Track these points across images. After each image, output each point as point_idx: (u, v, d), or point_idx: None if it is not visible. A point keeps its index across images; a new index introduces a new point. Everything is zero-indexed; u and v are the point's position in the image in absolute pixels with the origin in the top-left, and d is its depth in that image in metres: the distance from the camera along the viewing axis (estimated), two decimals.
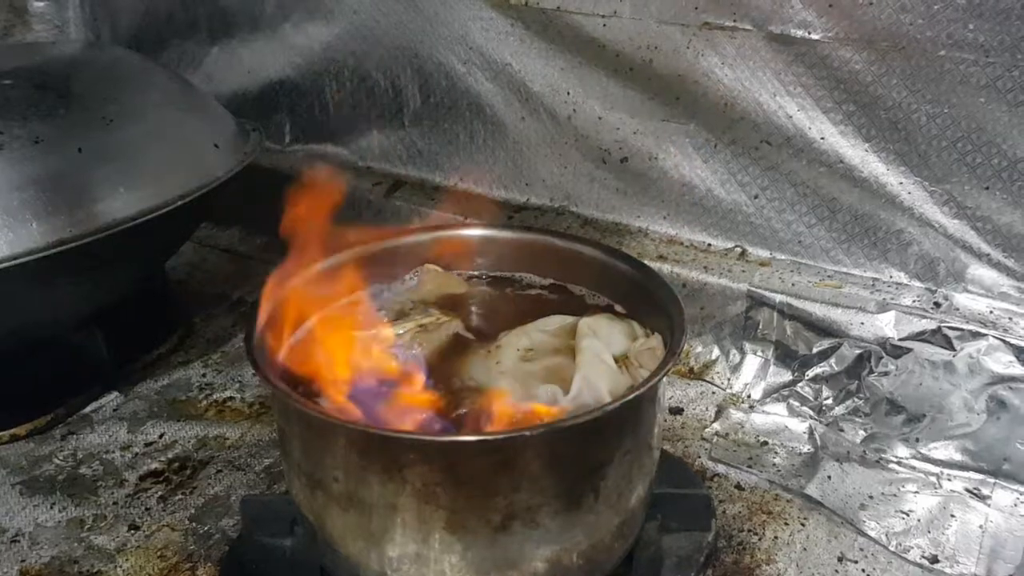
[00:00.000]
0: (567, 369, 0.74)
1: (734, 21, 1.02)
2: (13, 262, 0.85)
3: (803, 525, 0.88)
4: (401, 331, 0.81)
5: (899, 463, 0.95)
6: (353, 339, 0.81)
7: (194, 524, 0.89)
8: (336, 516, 0.70)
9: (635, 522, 0.76)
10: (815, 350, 1.02)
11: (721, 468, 0.96)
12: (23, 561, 0.85)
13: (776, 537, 0.87)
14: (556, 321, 0.81)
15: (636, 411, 0.69)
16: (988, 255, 0.99)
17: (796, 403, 1.02)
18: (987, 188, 0.96)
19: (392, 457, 0.64)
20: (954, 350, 0.95)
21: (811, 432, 0.98)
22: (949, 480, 0.93)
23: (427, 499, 0.64)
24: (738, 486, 0.93)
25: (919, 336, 0.97)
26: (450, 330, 0.81)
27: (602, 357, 0.75)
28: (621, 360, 0.76)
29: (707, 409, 1.05)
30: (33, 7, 1.53)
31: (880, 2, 0.93)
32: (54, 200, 0.89)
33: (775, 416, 1.02)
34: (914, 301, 1.01)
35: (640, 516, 0.76)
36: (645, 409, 0.71)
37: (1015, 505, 0.90)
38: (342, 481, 0.67)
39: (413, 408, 0.70)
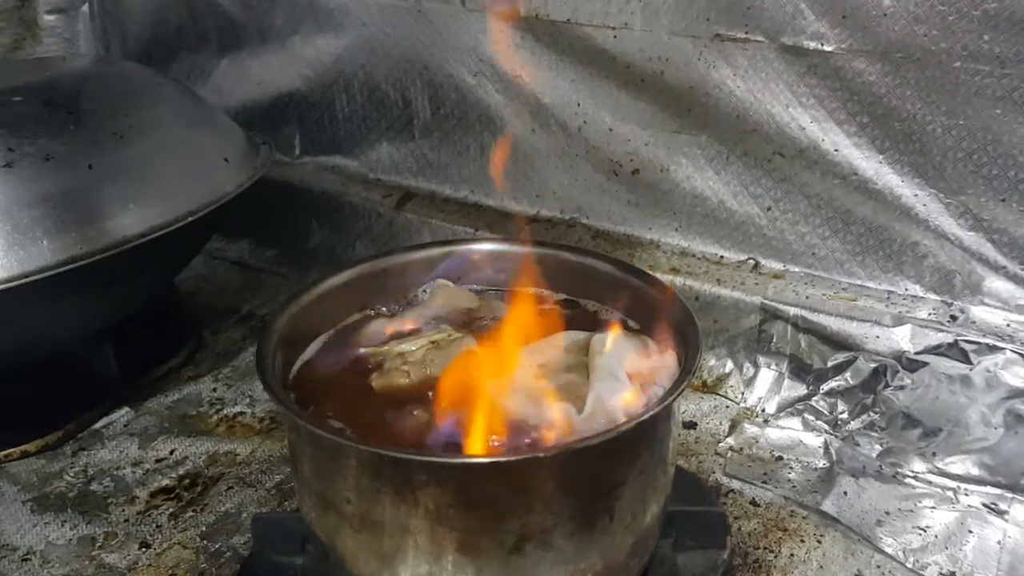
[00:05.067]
0: (580, 387, 0.73)
1: (746, 33, 1.01)
2: (24, 280, 0.85)
3: (819, 542, 0.87)
4: (413, 347, 0.80)
5: (916, 478, 0.94)
6: (365, 356, 0.81)
7: (205, 542, 0.89)
8: (348, 536, 0.69)
9: (650, 541, 0.75)
10: (830, 364, 1.01)
11: (736, 484, 0.95)
12: None
13: (792, 555, 0.86)
14: (569, 337, 0.80)
15: (651, 430, 0.69)
16: (1005, 268, 0.98)
17: (811, 417, 1.02)
18: (1003, 200, 0.95)
19: (404, 479, 0.63)
20: (971, 364, 0.94)
21: (826, 447, 0.97)
22: (966, 495, 0.92)
23: (440, 520, 0.64)
24: (753, 502, 0.92)
25: (935, 350, 0.96)
26: (462, 346, 0.80)
27: (616, 374, 0.74)
28: (635, 377, 0.76)
29: (721, 423, 1.04)
30: (43, 20, 1.53)
31: (894, 13, 0.93)
32: (64, 217, 0.89)
33: (790, 431, 1.01)
34: (930, 314, 1.00)
35: (655, 535, 0.75)
36: (660, 428, 0.70)
37: None
38: (354, 502, 0.66)
39: (425, 428, 0.70)
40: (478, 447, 0.67)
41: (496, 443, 0.67)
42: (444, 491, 0.63)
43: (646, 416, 0.65)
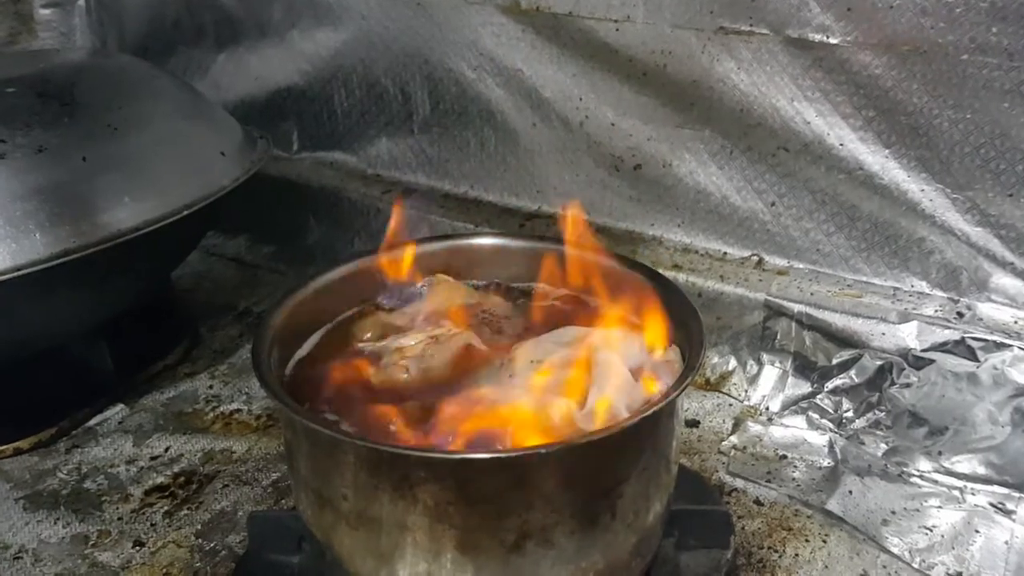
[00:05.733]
0: (582, 383, 0.72)
1: (750, 25, 1.00)
2: (16, 273, 0.84)
3: (824, 542, 0.86)
4: (411, 343, 0.79)
5: (921, 477, 0.93)
6: (363, 352, 0.79)
7: (200, 540, 0.88)
8: (345, 534, 0.68)
9: (652, 540, 0.74)
10: (835, 361, 1.00)
11: (739, 483, 0.94)
12: None
13: (797, 555, 0.84)
14: (570, 333, 0.79)
15: (654, 427, 0.67)
16: (1012, 264, 0.96)
17: (816, 415, 1.00)
18: (1011, 195, 0.94)
19: (402, 475, 0.62)
20: (978, 361, 0.93)
21: (831, 445, 0.96)
22: (973, 494, 0.91)
23: (438, 518, 0.62)
24: (757, 501, 0.91)
25: (942, 347, 0.95)
26: (461, 342, 0.79)
27: (618, 370, 0.73)
28: (637, 373, 0.74)
29: (724, 422, 1.03)
30: (39, 14, 1.52)
31: (900, 5, 0.91)
32: (58, 210, 0.88)
33: (794, 429, 1.00)
34: (936, 311, 0.98)
35: (657, 534, 0.74)
36: (663, 424, 0.69)
37: None
38: (351, 499, 0.65)
39: (423, 424, 0.68)
40: (477, 443, 0.65)
41: (496, 439, 0.66)
42: (443, 487, 0.61)
43: (648, 412, 0.64)
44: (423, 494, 0.62)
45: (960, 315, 0.98)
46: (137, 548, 0.87)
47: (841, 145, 1.00)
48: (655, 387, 0.72)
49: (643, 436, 0.67)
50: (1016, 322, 0.96)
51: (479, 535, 0.63)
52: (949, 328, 0.95)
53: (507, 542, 0.63)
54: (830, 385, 1.01)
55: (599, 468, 0.64)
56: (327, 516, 0.68)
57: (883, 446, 0.96)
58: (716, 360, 1.09)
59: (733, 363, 1.08)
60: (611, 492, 0.65)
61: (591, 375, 0.72)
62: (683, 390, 0.66)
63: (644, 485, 0.68)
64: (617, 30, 1.07)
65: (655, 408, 0.64)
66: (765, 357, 1.06)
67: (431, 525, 0.63)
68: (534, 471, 0.62)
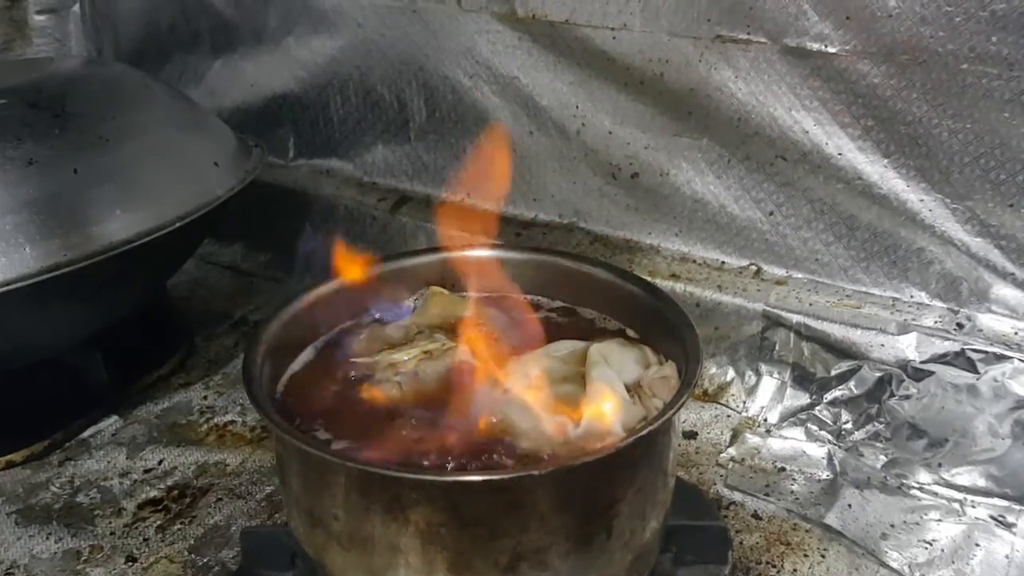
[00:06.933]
0: (577, 398, 0.71)
1: (748, 34, 0.99)
2: (6, 288, 0.83)
3: (823, 557, 0.85)
4: (405, 357, 0.78)
5: (921, 489, 0.92)
6: (356, 367, 0.78)
7: (193, 556, 0.87)
8: (337, 554, 0.67)
9: (649, 557, 0.73)
10: (834, 372, 0.99)
11: (737, 496, 0.93)
12: None
13: (795, 570, 0.84)
14: (566, 347, 0.78)
15: (650, 445, 0.66)
16: (1013, 275, 0.95)
17: (814, 427, 0.99)
18: (1011, 205, 0.93)
19: (394, 496, 0.61)
20: (978, 373, 0.92)
21: (830, 457, 0.95)
22: (973, 507, 0.90)
23: (431, 540, 0.62)
24: (755, 515, 0.90)
25: (941, 358, 0.94)
26: (456, 356, 0.78)
27: (613, 386, 0.72)
28: (633, 389, 0.73)
29: (722, 433, 1.02)
30: (33, 21, 1.51)
31: (900, 14, 0.91)
32: (48, 223, 0.87)
33: (793, 441, 0.99)
34: (936, 322, 0.97)
35: (654, 550, 0.73)
36: (659, 443, 0.68)
37: None
38: (342, 520, 0.64)
39: (416, 443, 0.67)
40: (470, 463, 0.64)
41: (489, 460, 0.65)
42: (435, 509, 0.61)
43: (644, 432, 0.63)
44: (415, 516, 0.61)
45: (960, 326, 0.97)
46: (130, 564, 0.86)
47: (840, 154, 0.99)
48: (651, 404, 0.72)
49: (639, 455, 0.66)
50: (1016, 333, 0.95)
51: (472, 557, 0.62)
52: (949, 339, 0.95)
53: (500, 564, 0.62)
54: (829, 396, 1.00)
55: (594, 488, 0.63)
56: (318, 535, 0.67)
57: (882, 458, 0.95)
58: (714, 371, 1.08)
59: (731, 374, 1.07)
60: (607, 512, 0.65)
61: (586, 391, 0.72)
62: (679, 408, 0.65)
63: (640, 503, 0.67)
64: (614, 38, 1.06)
65: (651, 428, 0.63)
66: (763, 368, 1.05)
67: (423, 547, 0.62)
68: (527, 493, 0.61)
